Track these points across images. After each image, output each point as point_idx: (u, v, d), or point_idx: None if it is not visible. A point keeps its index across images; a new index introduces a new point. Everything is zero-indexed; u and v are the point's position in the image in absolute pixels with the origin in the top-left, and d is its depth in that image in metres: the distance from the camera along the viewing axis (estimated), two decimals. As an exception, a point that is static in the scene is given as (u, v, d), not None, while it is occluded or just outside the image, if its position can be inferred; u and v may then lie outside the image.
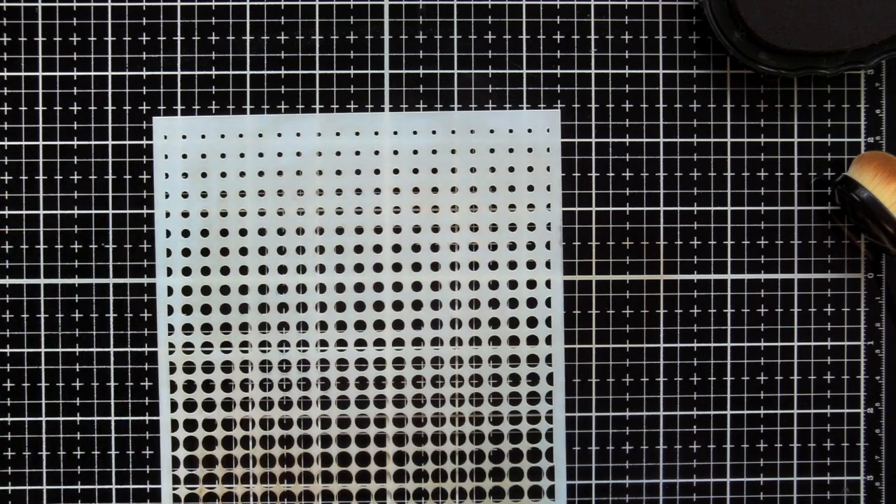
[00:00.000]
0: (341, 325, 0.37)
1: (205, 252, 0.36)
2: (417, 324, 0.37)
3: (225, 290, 0.37)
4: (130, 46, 0.37)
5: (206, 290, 0.36)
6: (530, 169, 0.37)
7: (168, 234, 0.37)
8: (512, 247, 0.37)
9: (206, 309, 0.36)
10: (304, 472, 0.37)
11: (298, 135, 0.37)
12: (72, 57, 0.37)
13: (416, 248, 0.37)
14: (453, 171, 0.37)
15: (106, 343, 0.37)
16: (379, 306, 0.37)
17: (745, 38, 0.35)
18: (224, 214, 0.37)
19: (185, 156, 0.36)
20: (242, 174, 0.36)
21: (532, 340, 0.37)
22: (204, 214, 0.36)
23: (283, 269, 0.37)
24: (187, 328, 0.37)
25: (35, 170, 0.37)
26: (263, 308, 0.37)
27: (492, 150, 0.37)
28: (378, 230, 0.37)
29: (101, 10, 0.37)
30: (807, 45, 0.35)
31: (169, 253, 0.36)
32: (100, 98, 0.37)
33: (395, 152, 0.37)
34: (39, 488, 0.37)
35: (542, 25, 0.37)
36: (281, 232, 0.37)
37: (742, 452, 0.38)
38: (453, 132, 0.37)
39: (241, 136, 0.36)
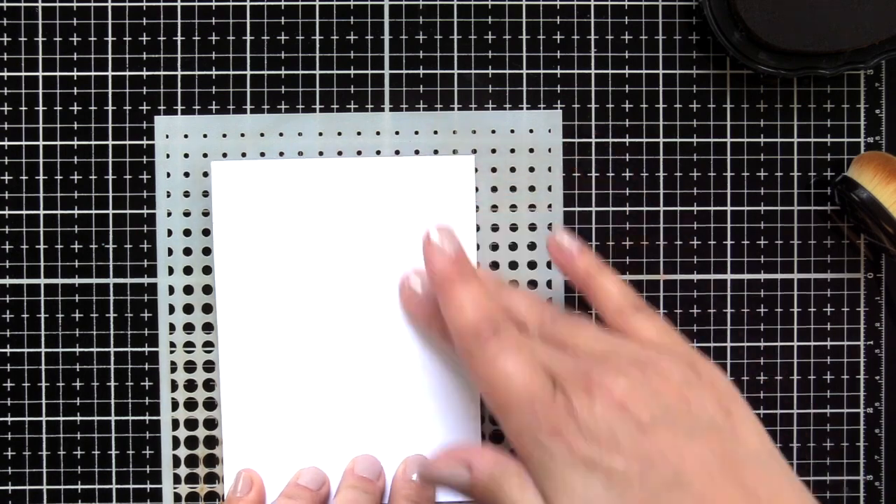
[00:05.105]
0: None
1: (206, 251, 0.36)
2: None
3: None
4: (130, 46, 0.37)
5: (207, 290, 0.36)
6: (531, 169, 0.37)
7: (170, 233, 0.36)
8: (513, 247, 0.37)
9: (207, 308, 0.36)
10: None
11: (300, 134, 0.36)
12: (72, 57, 0.37)
13: (416, 247, 0.37)
14: (454, 170, 0.37)
15: (106, 343, 0.37)
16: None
17: (744, 38, 0.35)
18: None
19: (186, 155, 0.36)
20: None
21: (533, 340, 0.37)
22: (205, 214, 0.36)
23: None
24: (188, 327, 0.36)
25: (35, 170, 0.37)
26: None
27: (493, 151, 0.37)
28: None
29: (101, 10, 0.37)
30: (806, 46, 0.35)
31: (170, 252, 0.36)
32: (100, 98, 0.37)
33: (397, 152, 0.37)
34: (39, 488, 0.37)
35: (542, 25, 0.37)
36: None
37: (742, 452, 0.38)
38: (455, 132, 0.37)
39: (242, 135, 0.36)
